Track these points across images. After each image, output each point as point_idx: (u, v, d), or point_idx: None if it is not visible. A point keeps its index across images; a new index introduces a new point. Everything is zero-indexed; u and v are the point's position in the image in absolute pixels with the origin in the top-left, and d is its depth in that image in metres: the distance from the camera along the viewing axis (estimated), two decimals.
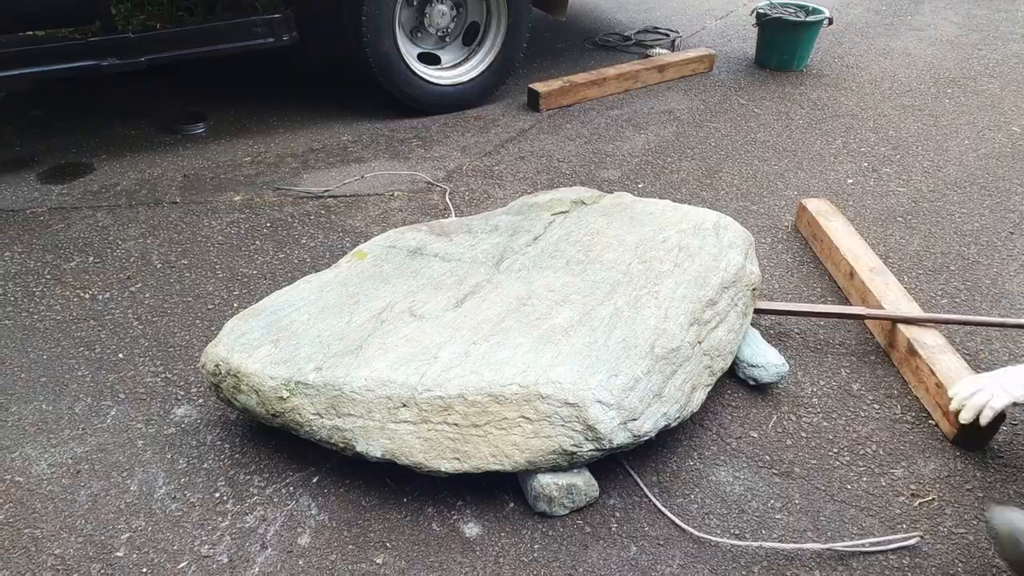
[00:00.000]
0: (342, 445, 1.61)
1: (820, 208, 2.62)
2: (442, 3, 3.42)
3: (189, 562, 1.55)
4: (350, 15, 3.18)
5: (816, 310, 2.19)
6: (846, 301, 2.34)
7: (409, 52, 3.40)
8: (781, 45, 4.01)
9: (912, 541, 1.58)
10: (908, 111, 3.65)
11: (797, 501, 1.69)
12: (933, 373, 1.91)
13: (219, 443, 1.83)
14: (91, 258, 2.52)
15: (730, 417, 1.92)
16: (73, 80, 3.94)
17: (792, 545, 1.58)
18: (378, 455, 1.58)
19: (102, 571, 1.54)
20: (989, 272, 2.48)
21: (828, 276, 2.46)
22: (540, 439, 1.58)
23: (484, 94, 3.64)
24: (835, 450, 1.82)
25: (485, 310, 1.82)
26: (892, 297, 2.17)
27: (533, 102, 3.63)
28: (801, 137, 3.39)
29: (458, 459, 1.57)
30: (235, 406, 1.72)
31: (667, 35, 4.54)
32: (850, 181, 3.04)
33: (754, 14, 4.05)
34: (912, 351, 1.99)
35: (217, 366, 1.71)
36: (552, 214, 2.27)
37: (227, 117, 3.54)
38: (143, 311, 2.28)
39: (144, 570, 1.54)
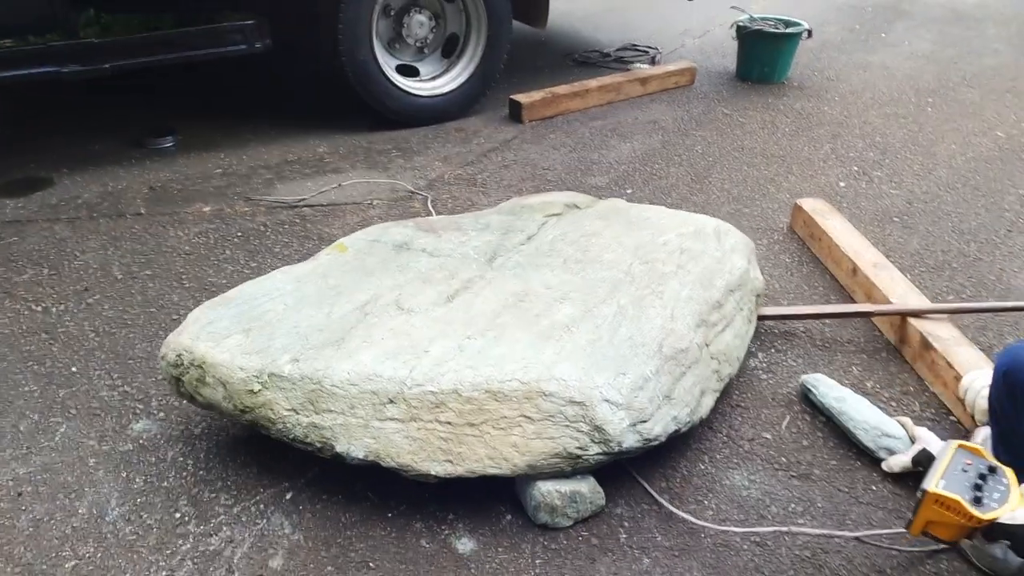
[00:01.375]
0: (319, 445, 1.44)
1: (817, 207, 2.53)
2: (420, 13, 3.35)
3: None
4: (326, 24, 3.08)
5: (826, 311, 2.08)
6: (849, 298, 2.23)
7: (387, 63, 3.31)
8: (762, 57, 3.99)
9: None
10: (892, 119, 3.62)
11: (820, 504, 1.55)
12: (951, 367, 1.79)
13: (181, 459, 1.65)
14: (46, 270, 2.34)
15: (740, 419, 1.79)
16: (38, 92, 3.79)
17: (819, 545, 1.44)
18: (360, 456, 1.41)
19: None
20: (992, 268, 2.40)
21: (829, 275, 2.35)
22: (542, 440, 1.43)
23: (465, 106, 3.55)
24: (855, 450, 1.68)
25: (479, 305, 1.68)
26: (900, 291, 2.07)
27: (515, 113, 3.54)
28: (789, 144, 3.33)
29: (451, 461, 1.41)
30: (198, 402, 1.54)
31: (647, 52, 4.52)
32: (842, 184, 2.97)
33: (734, 28, 4.04)
34: (927, 345, 1.88)
35: (180, 356, 1.53)
36: (545, 216, 2.15)
37: (198, 131, 3.40)
38: (100, 323, 2.10)
39: None
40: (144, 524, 1.49)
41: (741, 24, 4.01)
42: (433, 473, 1.40)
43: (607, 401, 1.46)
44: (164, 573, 1.39)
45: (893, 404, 1.82)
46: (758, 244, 2.51)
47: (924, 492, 1.19)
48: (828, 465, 1.65)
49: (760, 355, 2.00)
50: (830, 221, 2.45)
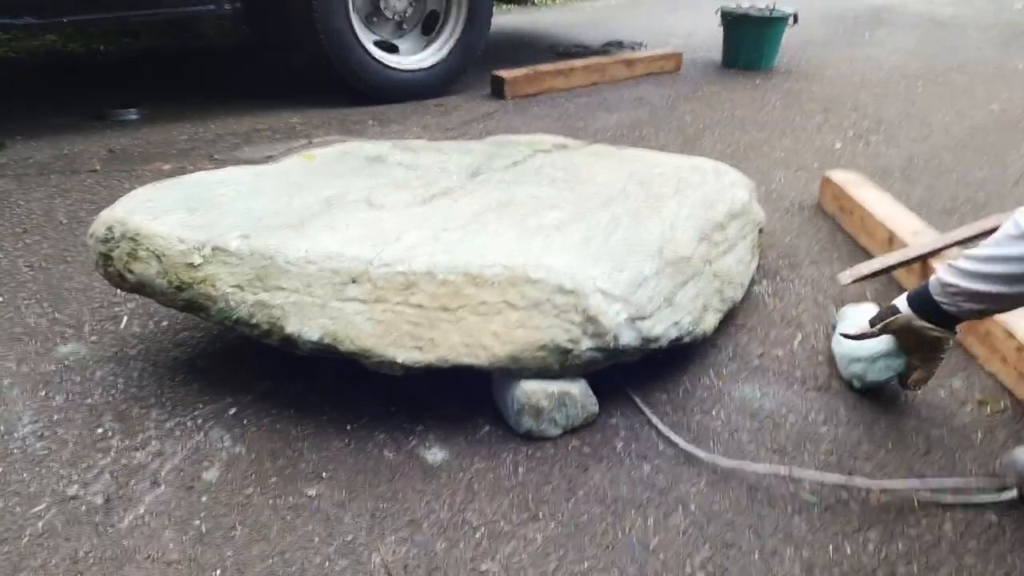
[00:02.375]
0: (267, 326, 1.23)
1: (848, 178, 2.22)
2: None
3: (48, 505, 1.14)
4: None
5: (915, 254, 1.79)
6: (857, 239, 2.06)
7: (365, 38, 3.19)
8: (748, 42, 3.93)
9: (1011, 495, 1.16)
10: (883, 97, 3.54)
11: (843, 413, 1.36)
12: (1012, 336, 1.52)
13: (111, 378, 1.43)
14: None
15: (746, 337, 1.60)
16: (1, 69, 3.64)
17: (848, 451, 1.24)
18: (314, 338, 1.20)
19: None
20: (1005, 211, 2.25)
21: (831, 218, 2.20)
22: (527, 330, 1.23)
23: (445, 82, 3.43)
24: None
25: (458, 208, 1.50)
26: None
27: (497, 90, 3.43)
28: (780, 115, 3.23)
29: (419, 348, 1.20)
30: (127, 282, 1.32)
31: (631, 47, 4.46)
32: (838, 146, 2.85)
33: (719, 13, 3.99)
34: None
35: (110, 229, 1.32)
36: (533, 149, 1.99)
37: (166, 106, 3.25)
38: (37, 260, 1.90)
39: None
40: (59, 439, 1.27)
41: (727, 10, 3.96)
42: (399, 361, 1.20)
43: (602, 291, 1.27)
44: (76, 487, 1.17)
45: None
46: (759, 190, 2.36)
47: None
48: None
49: (764, 282, 1.82)
50: (862, 191, 2.15)
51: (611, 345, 1.26)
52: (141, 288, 1.31)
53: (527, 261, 1.28)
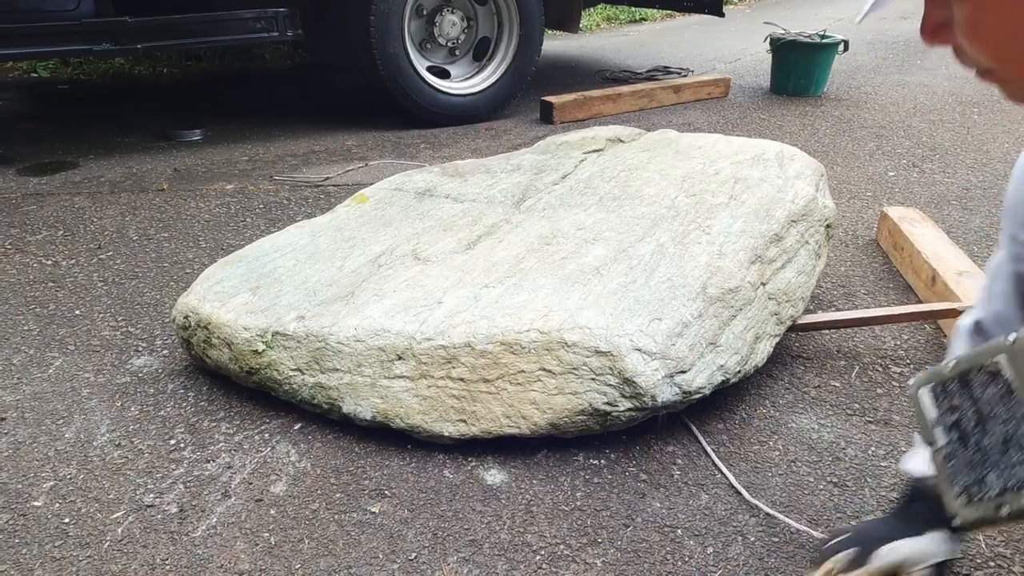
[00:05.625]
0: (327, 406, 1.33)
1: (905, 214, 2.16)
2: (452, 13, 3.34)
3: (126, 512, 1.19)
4: (358, 15, 3.07)
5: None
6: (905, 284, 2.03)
7: (419, 63, 3.29)
8: (798, 68, 3.92)
9: None
10: (937, 124, 3.49)
11: (904, 449, 1.34)
12: None
13: (182, 391, 1.50)
14: (60, 232, 2.26)
15: (803, 367, 1.59)
16: (68, 91, 3.83)
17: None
18: (368, 417, 1.28)
19: (11, 522, 1.17)
20: None
21: (883, 250, 2.18)
22: (565, 396, 1.25)
23: (496, 106, 3.50)
24: None
25: (501, 251, 1.54)
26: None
27: (546, 115, 3.48)
28: (831, 142, 3.20)
29: (464, 421, 1.25)
30: (208, 364, 1.45)
31: (678, 73, 4.48)
32: (891, 174, 2.82)
33: (768, 40, 3.99)
34: None
35: (186, 318, 1.44)
36: (584, 152, 2.01)
37: (227, 128, 3.38)
38: (110, 275, 1.99)
39: (66, 520, 1.18)
40: (135, 449, 1.33)
41: (775, 36, 3.96)
42: (446, 434, 1.26)
43: (638, 350, 1.26)
44: (152, 495, 1.22)
45: None
46: None
47: None
48: (908, 412, 1.44)
49: (819, 312, 1.81)
50: (917, 228, 2.06)
51: (649, 405, 1.26)
52: (220, 370, 1.44)
53: (563, 322, 1.29)
